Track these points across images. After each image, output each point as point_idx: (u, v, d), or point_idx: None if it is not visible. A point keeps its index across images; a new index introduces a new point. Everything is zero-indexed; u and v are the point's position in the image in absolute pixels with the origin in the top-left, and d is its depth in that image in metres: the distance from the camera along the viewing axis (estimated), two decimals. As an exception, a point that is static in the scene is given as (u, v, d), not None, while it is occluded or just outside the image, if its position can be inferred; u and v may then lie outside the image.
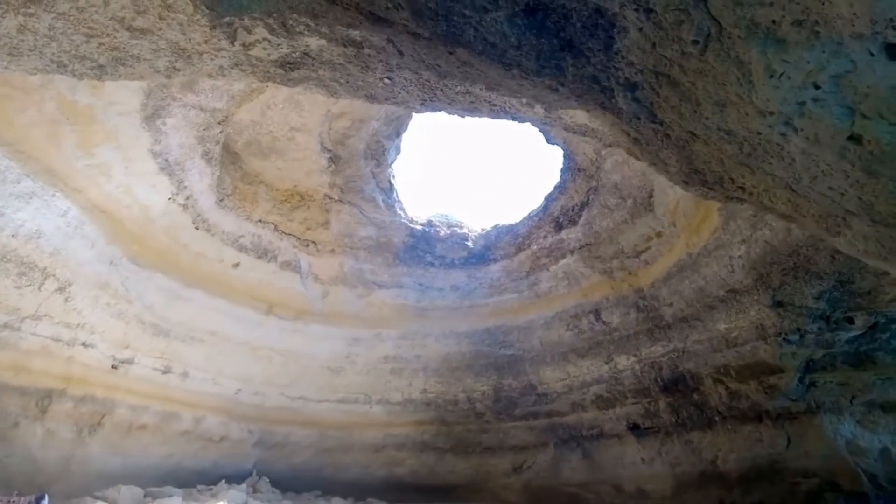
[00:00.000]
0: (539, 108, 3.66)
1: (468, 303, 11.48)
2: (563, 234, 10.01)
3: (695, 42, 1.68)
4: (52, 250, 7.05)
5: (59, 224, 6.99)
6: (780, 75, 1.63)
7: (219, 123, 7.42)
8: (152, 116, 6.60)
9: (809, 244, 6.44)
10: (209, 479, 10.47)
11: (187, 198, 8.27)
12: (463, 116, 8.59)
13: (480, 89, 3.55)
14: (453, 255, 11.45)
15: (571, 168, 9.13)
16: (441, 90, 3.75)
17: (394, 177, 10.61)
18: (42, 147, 6.27)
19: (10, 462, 7.47)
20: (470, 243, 11.44)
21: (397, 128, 9.36)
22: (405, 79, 3.55)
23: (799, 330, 7.46)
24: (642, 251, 9.09)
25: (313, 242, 10.63)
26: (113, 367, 8.54)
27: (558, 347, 10.66)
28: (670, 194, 7.79)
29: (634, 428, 9.96)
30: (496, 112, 4.20)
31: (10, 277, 6.81)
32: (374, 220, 10.87)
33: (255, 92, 7.30)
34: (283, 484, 11.47)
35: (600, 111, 2.46)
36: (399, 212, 11.05)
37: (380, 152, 9.61)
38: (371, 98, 4.23)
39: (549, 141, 8.93)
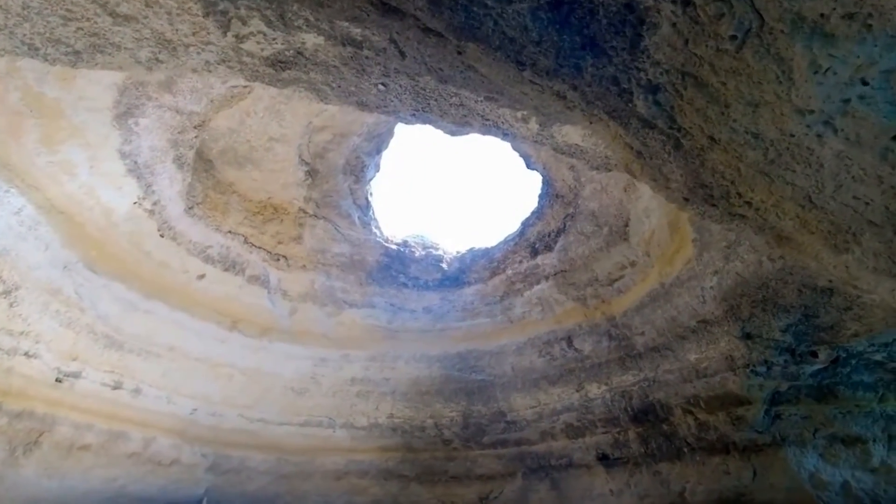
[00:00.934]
0: (533, 124, 3.65)
1: (440, 325, 11.30)
2: (539, 259, 10.05)
3: (733, 38, 1.67)
4: (1, 250, 6.56)
5: (11, 223, 6.53)
6: (826, 71, 1.62)
7: (195, 128, 7.18)
8: (124, 115, 6.33)
9: (778, 277, 6.62)
10: (154, 506, 9.74)
11: (154, 203, 7.90)
12: (450, 133, 8.63)
13: (476, 101, 3.52)
14: (427, 277, 11.31)
15: (550, 194, 9.23)
16: (435, 100, 3.70)
17: (371, 194, 10.49)
18: (0, 139, 5.89)
19: (-70, 483, 6.75)
20: (445, 265, 11.34)
21: (378, 145, 9.29)
22: (400, 85, 3.48)
23: (766, 362, 7.62)
24: (616, 279, 9.19)
25: (284, 257, 10.32)
26: (57, 380, 7.91)
27: (530, 374, 10.56)
28: (646, 224, 7.94)
29: (603, 458, 9.87)
30: (487, 127, 4.18)
31: (-51, 278, 6.28)
32: (349, 238, 10.67)
33: (235, 98, 7.12)
34: (235, 513, 10.79)
35: (604, 122, 2.44)
36: (374, 230, 10.89)
37: (359, 168, 9.49)
38: (361, 105, 4.14)
39: (529, 166, 9.03)
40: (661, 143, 2.22)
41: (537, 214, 9.87)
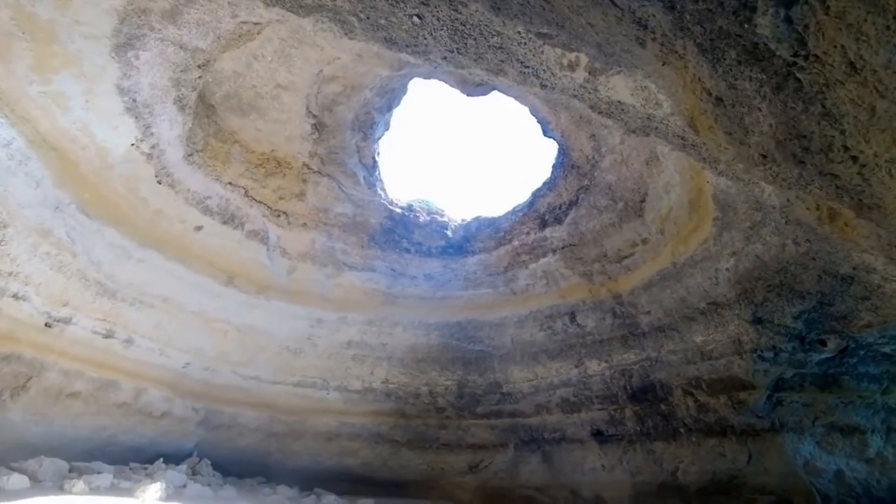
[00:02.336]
0: (581, 72, 3.32)
1: (441, 294, 11.10)
2: (547, 231, 9.79)
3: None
4: (-11, 184, 6.18)
5: (0, 156, 6.13)
6: None
7: (199, 67, 6.73)
8: (124, 46, 5.87)
9: (799, 262, 6.43)
10: (144, 456, 9.66)
11: (153, 146, 7.49)
12: (468, 93, 8.21)
13: (520, 42, 3.17)
14: (430, 244, 11.04)
15: (565, 164, 8.90)
16: (474, 39, 3.35)
17: (378, 154, 10.10)
18: (-12, 62, 5.44)
19: (-87, 422, 6.53)
20: (449, 233, 11.07)
21: (390, 101, 8.87)
22: (438, 18, 3.13)
23: (774, 348, 7.51)
24: (626, 256, 8.97)
25: (285, 213, 9.97)
26: (47, 325, 7.64)
27: (529, 347, 10.45)
28: (664, 200, 7.68)
29: (598, 434, 9.87)
30: (524, 75, 3.83)
31: (-67, 210, 5.92)
32: (353, 198, 10.32)
33: (243, 37, 6.65)
34: (225, 468, 10.76)
35: (682, 62, 2.14)
36: (379, 191, 10.54)
37: (368, 125, 9.08)
38: (389, 43, 3.77)
39: (546, 133, 8.67)
40: (758, 83, 1.94)
41: (549, 185, 9.56)
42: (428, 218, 11.03)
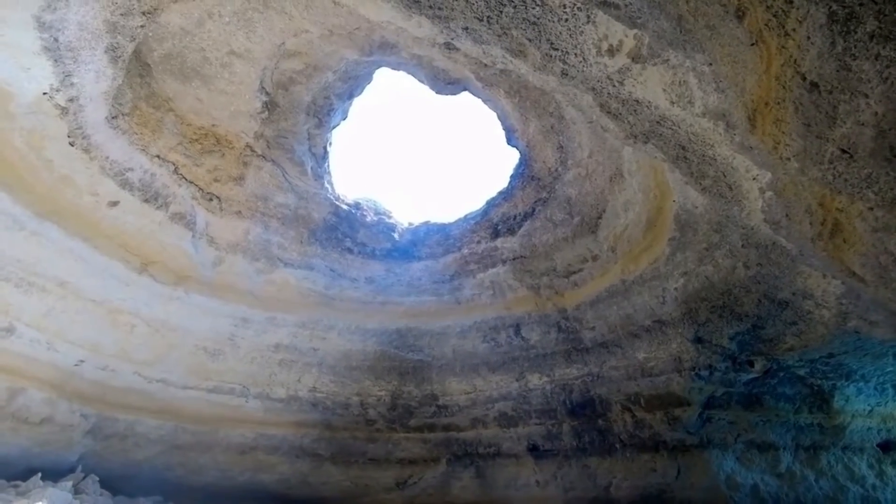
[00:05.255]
0: (619, 59, 3.16)
1: (382, 298, 10.56)
2: (499, 242, 9.70)
3: None
4: None
5: None
6: None
7: (143, 14, 5.82)
8: (54, -30, 4.89)
9: (743, 285, 6.83)
10: (13, 471, 8.00)
11: (70, 99, 6.34)
12: (450, 80, 7.90)
13: (558, 19, 2.95)
14: (375, 245, 10.51)
15: (525, 175, 8.89)
16: (513, 7, 3.08)
17: (331, 144, 9.47)
18: None
19: None
20: (396, 235, 10.61)
21: (352, 88, 8.34)
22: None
23: (710, 367, 7.91)
24: (574, 272, 9.10)
25: (218, 198, 8.96)
26: None
27: (471, 358, 10.21)
28: (621, 218, 7.87)
29: (534, 449, 9.80)
30: (548, 59, 3.62)
31: None
32: (297, 188, 9.55)
33: (202, -12, 5.87)
34: (114, 484, 9.24)
35: (785, 39, 2.03)
36: (326, 185, 9.86)
37: (325, 111, 8.46)
38: (409, 1, 3.38)
39: (510, 142, 8.61)
40: (885, 62, 1.84)
41: (506, 195, 9.50)
42: (375, 218, 10.51)
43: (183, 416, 9.97)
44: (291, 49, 7.25)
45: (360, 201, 10.59)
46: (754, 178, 4.00)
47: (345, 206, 10.21)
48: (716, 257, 6.75)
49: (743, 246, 6.18)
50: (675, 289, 7.59)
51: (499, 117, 8.25)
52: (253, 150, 8.77)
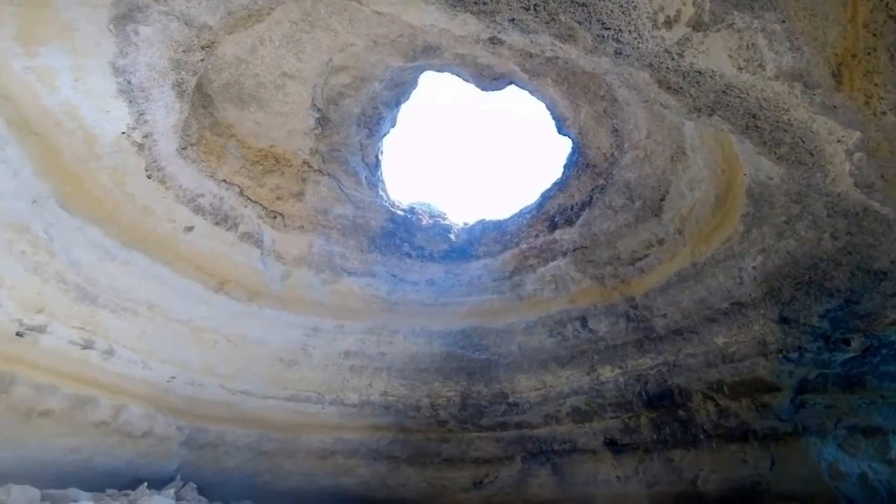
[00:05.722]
0: (678, 29, 3.01)
1: (444, 300, 10.64)
2: (557, 234, 9.50)
3: None
4: (-40, 170, 5.44)
5: (-26, 137, 5.41)
6: None
7: (202, 49, 6.19)
8: (124, 18, 5.30)
9: (832, 258, 6.29)
10: (121, 482, 8.72)
11: (145, 136, 6.85)
12: (496, 75, 7.87)
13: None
14: (433, 248, 10.60)
15: (579, 163, 8.66)
16: (563, -9, 3.01)
17: (382, 152, 9.66)
18: (-33, 29, 4.79)
19: None
20: (452, 236, 10.66)
21: (399, 95, 8.46)
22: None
23: (800, 348, 7.35)
24: (639, 258, 8.75)
25: (281, 215, 9.37)
26: (18, 333, 6.80)
27: (538, 354, 10.07)
28: (687, 198, 7.49)
29: (611, 443, 9.52)
30: (599, 40, 3.50)
31: None
32: (353, 199, 9.81)
33: (253, 17, 6.16)
34: (210, 491, 9.87)
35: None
36: (381, 193, 10.07)
37: (375, 120, 8.65)
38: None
39: (560, 131, 8.43)
40: None
41: (560, 185, 9.30)
42: (430, 221, 10.61)
43: (266, 425, 10.49)
44: (339, 64, 7.46)
45: (415, 206, 10.73)
46: (839, 141, 3.68)
47: (400, 212, 10.39)
48: (797, 230, 6.27)
49: (828, 215, 5.69)
50: (753, 267, 7.11)
51: (548, 107, 8.10)
52: (310, 166, 9.10)
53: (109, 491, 8.13)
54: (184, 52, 6.12)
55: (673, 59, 3.44)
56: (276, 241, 9.48)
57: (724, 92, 3.74)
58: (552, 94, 7.55)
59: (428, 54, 7.42)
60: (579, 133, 8.13)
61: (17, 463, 7.02)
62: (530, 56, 6.22)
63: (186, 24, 5.71)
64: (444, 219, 10.82)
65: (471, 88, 8.20)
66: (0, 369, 6.66)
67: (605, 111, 7.23)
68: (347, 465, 10.98)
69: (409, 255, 10.49)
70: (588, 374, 9.60)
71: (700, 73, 3.62)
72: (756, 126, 4.11)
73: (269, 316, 9.83)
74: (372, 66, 7.61)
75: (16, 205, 6.21)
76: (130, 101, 6.27)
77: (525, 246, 9.94)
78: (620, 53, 3.59)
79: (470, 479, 10.88)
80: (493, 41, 4.67)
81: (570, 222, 9.30)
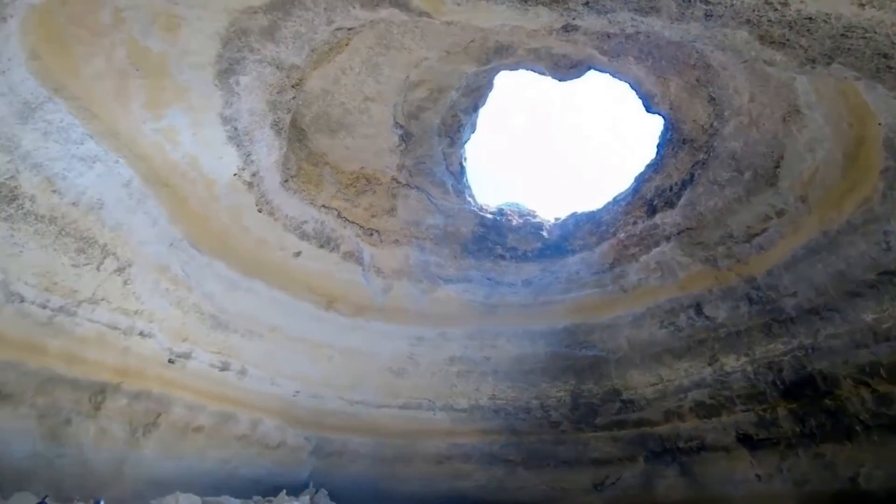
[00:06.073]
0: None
1: (542, 299, 10.45)
2: (658, 218, 8.93)
3: None
4: (114, 224, 6.39)
5: (121, 195, 6.33)
6: None
7: (293, 87, 6.71)
8: (226, 72, 5.91)
9: None
10: (263, 489, 9.58)
11: (253, 174, 7.56)
12: (573, 63, 7.68)
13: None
14: (526, 247, 10.47)
15: (674, 140, 8.10)
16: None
17: (465, 159, 9.78)
18: (108, 104, 5.62)
19: (62, 463, 6.74)
20: (545, 233, 10.45)
21: (476, 100, 8.54)
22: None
23: (975, 319, 6.22)
24: (756, 234, 7.95)
25: (377, 231, 9.81)
26: (170, 360, 7.80)
27: (650, 347, 9.50)
28: (807, 161, 6.68)
29: (745, 439, 8.68)
30: (686, 5, 3.26)
31: (68, 254, 6.15)
32: (442, 208, 10.02)
33: (334, 49, 6.58)
34: (338, 496, 10.50)
35: None
36: (468, 198, 10.18)
37: (455, 128, 8.79)
38: (525, -4, 3.35)
39: (649, 110, 7.95)
40: None
41: (655, 166, 8.76)
42: (520, 220, 10.51)
43: (383, 432, 10.97)
44: (415, 79, 7.70)
45: (503, 207, 10.70)
46: None
47: (489, 216, 10.41)
48: (957, 180, 5.32)
49: None
50: (904, 230, 6.14)
51: (632, 87, 7.69)
52: (398, 182, 9.46)
53: (255, 497, 8.98)
54: (278, 93, 6.68)
55: (775, 9, 3.10)
56: (374, 256, 9.95)
57: (843, 35, 3.31)
58: (635, 73, 7.16)
59: (501, 55, 7.40)
60: (671, 108, 7.61)
61: (179, 473, 8.01)
62: (608, 37, 5.96)
63: (277, 67, 6.23)
64: (535, 216, 10.66)
65: (543, 81, 7.99)
66: (159, 392, 7.66)
67: (697, 80, 6.70)
68: (464, 469, 11.13)
69: (502, 257, 10.46)
70: (709, 364, 8.86)
71: (810, 19, 3.23)
72: (889, 67, 3.58)
73: (376, 328, 10.31)
74: (447, 75, 7.75)
75: (157, 249, 7.15)
76: (238, 145, 6.96)
77: (623, 235, 9.47)
78: (711, 15, 3.31)
79: (590, 481, 10.51)
80: (568, 28, 4.54)
81: (670, 204, 8.71)
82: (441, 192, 9.78)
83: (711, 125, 7.23)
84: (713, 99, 6.86)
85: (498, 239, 10.42)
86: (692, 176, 8.20)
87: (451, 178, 9.76)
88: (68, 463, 6.76)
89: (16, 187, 5.34)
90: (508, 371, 10.73)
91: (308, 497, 9.16)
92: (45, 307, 6.13)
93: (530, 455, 10.91)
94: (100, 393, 7.07)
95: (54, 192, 5.67)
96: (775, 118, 6.47)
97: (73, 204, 5.84)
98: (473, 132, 9.42)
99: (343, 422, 10.70)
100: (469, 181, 10.14)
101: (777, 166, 7.13)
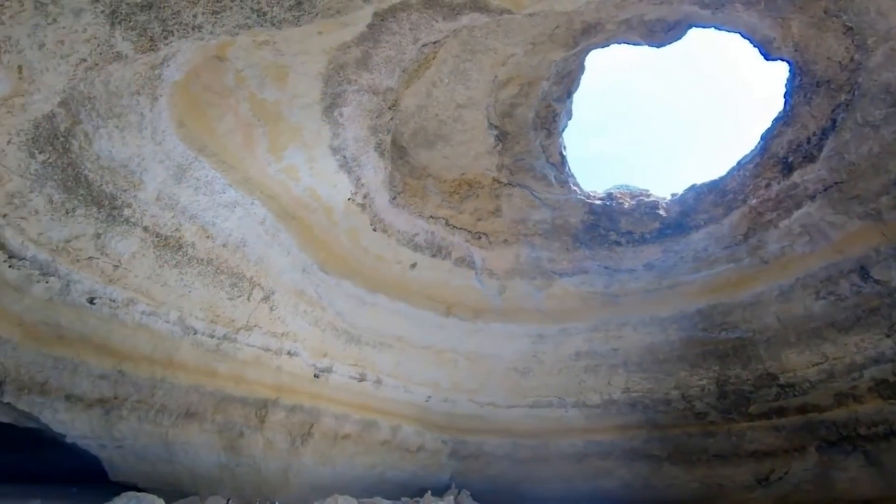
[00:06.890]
0: None
1: (668, 281, 9.74)
2: (796, 176, 7.88)
3: None
4: (256, 259, 7.22)
5: (259, 232, 7.14)
6: None
7: (389, 108, 7.07)
8: (330, 107, 6.41)
9: None
10: (410, 491, 10.10)
11: (365, 196, 8.08)
12: (670, 26, 7.18)
13: None
14: (643, 229, 9.85)
15: (804, 85, 7.11)
16: None
17: (564, 148, 9.50)
18: (240, 155, 6.39)
19: (240, 471, 7.72)
20: (661, 212, 9.75)
21: (568, 86, 8.28)
22: None
23: None
24: (932, 175, 6.67)
25: (484, 234, 9.91)
26: (315, 375, 8.58)
27: (806, 323, 8.38)
28: None
29: (950, 421, 7.26)
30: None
31: (224, 289, 7.07)
32: (547, 201, 9.82)
33: (423, 65, 6.82)
34: (479, 498, 10.69)
35: None
36: (573, 188, 9.86)
37: (550, 119, 8.60)
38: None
39: (768, 57, 7.09)
40: None
41: (785, 119, 7.77)
42: (633, 202, 9.93)
43: (516, 433, 10.98)
44: (504, 78, 7.69)
45: (612, 191, 10.21)
46: None
47: (598, 202, 9.98)
48: None
49: None
50: None
51: (744, 36, 6.91)
52: (500, 182, 9.48)
53: (403, 499, 9.49)
54: (377, 117, 7.09)
55: None
56: (485, 259, 10.05)
57: None
58: (746, 19, 6.43)
59: (589, 34, 7.12)
60: (795, 50, 6.70)
61: (335, 478, 8.76)
62: (708, -12, 5.44)
63: (374, 93, 6.62)
64: (648, 196, 10.01)
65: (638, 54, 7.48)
66: (310, 405, 8.46)
67: (825, 12, 5.83)
68: (604, 466, 10.71)
69: (617, 243, 9.95)
70: (888, 335, 7.58)
71: None
72: None
73: (496, 329, 10.40)
74: (535, 67, 7.63)
75: (293, 276, 7.94)
76: (348, 172, 7.50)
77: (755, 201, 8.50)
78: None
79: (752, 476, 9.49)
80: (661, -10, 4.23)
81: (810, 158, 7.64)
82: (544, 186, 9.60)
83: (852, 59, 6.23)
84: (850, 29, 5.91)
85: (610, 225, 9.94)
86: (833, 122, 7.12)
87: (553, 170, 9.54)
88: (245, 471, 7.74)
89: (180, 237, 6.31)
90: (640, 362, 10.15)
91: (452, 497, 9.46)
92: (212, 336, 7.12)
93: (677, 449, 10.17)
94: (263, 408, 7.98)
95: (208, 237, 6.60)
96: (939, 34, 5.40)
97: (224, 245, 6.72)
98: (570, 118, 9.15)
99: (476, 424, 10.91)
100: (571, 170, 9.83)
101: (949, 91, 5.93)
